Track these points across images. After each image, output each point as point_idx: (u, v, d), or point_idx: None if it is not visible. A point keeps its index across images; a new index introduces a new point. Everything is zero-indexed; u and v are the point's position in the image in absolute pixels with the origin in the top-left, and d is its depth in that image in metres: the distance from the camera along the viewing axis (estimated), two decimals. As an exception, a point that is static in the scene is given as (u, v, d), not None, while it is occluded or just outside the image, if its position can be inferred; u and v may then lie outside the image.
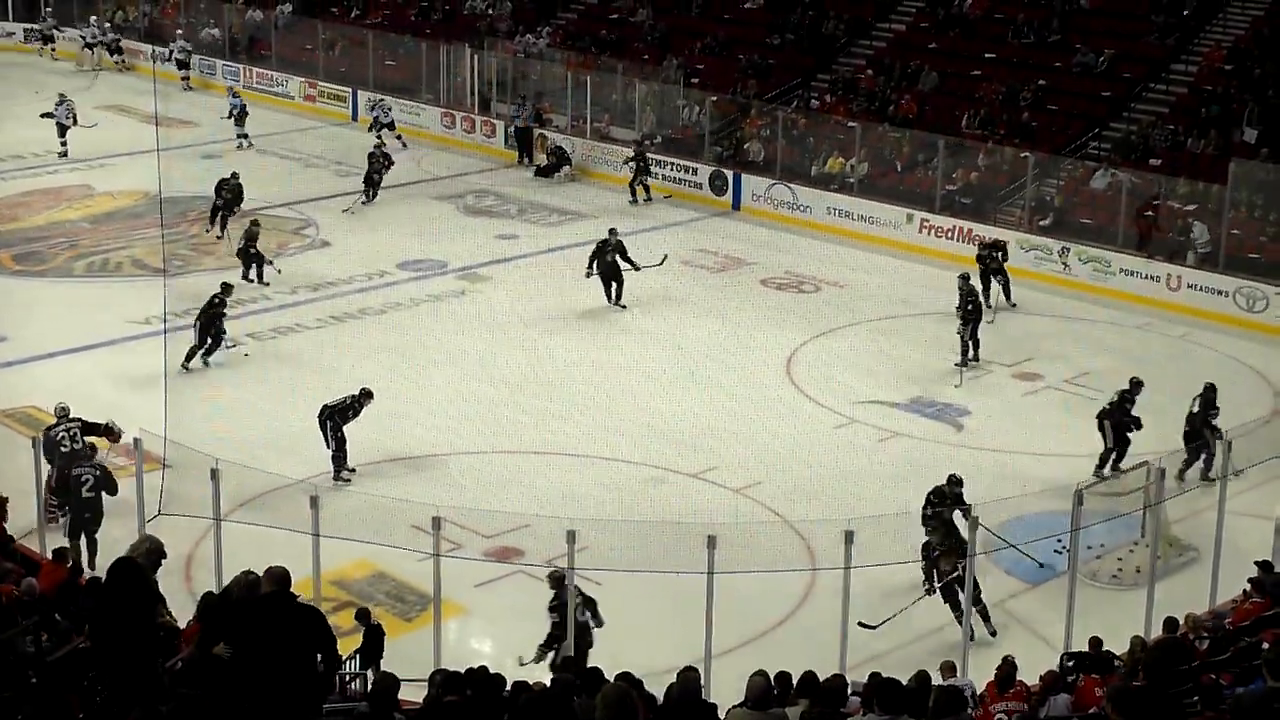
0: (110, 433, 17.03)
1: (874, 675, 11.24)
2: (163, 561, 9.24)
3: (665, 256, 25.37)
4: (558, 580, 13.96)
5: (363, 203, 29.42)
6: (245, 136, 33.80)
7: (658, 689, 10.05)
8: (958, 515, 15.36)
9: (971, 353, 21.89)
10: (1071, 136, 28.95)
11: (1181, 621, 12.74)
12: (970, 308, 21.88)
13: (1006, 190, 28.35)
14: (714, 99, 32.13)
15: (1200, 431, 18.05)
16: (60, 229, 28.30)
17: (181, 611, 11.73)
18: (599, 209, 30.07)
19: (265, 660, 7.80)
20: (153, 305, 22.05)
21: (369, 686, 11.65)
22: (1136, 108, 29.29)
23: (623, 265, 24.27)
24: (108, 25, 42.30)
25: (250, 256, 24.87)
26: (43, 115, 33.02)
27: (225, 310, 21.52)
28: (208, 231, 27.08)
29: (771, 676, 9.52)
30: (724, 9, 35.81)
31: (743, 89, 32.89)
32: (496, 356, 22.25)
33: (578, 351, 22.64)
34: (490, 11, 38.84)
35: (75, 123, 33.04)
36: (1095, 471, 17.95)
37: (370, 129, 34.15)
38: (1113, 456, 18.24)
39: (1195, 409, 18.39)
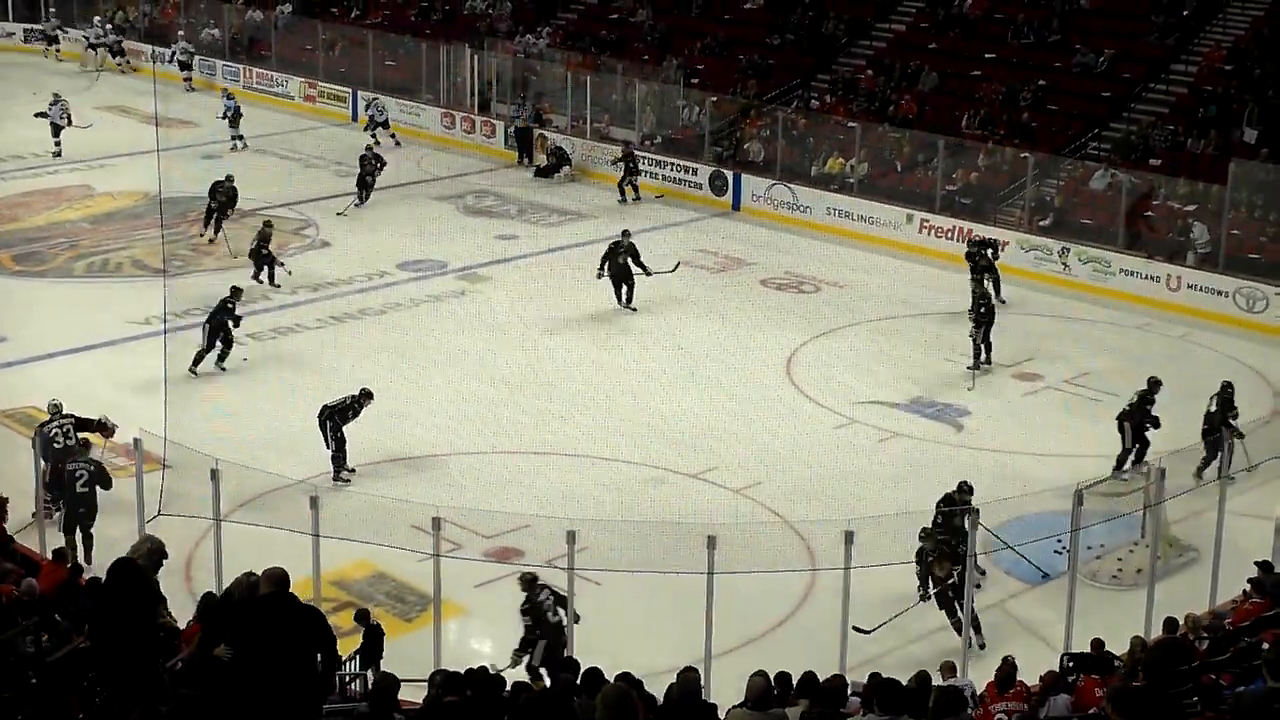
0: (104, 428, 17.15)
1: (874, 675, 11.25)
2: (164, 562, 9.25)
3: (679, 264, 25.33)
4: (529, 582, 13.95)
5: (355, 205, 29.38)
6: (240, 138, 33.76)
7: (658, 689, 10.05)
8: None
9: (984, 356, 21.83)
10: (1071, 137, 28.95)
11: (1181, 622, 12.74)
12: (983, 310, 21.81)
13: (1006, 190, 28.35)
14: (714, 99, 32.13)
15: (1219, 430, 18.02)
16: (60, 229, 28.30)
17: (181, 612, 11.73)
18: (599, 209, 30.10)
19: (265, 661, 7.80)
20: (153, 306, 22.06)
21: (369, 687, 11.65)
22: (1136, 108, 29.29)
23: (634, 269, 24.23)
24: (109, 26, 42.29)
25: (262, 257, 24.81)
26: (37, 115, 33.03)
27: (237, 314, 21.36)
28: (201, 235, 27.01)
29: (771, 677, 9.52)
30: (724, 9, 35.81)
31: (743, 89, 32.89)
32: (496, 356, 22.25)
33: (578, 352, 22.64)
34: (490, 12, 38.85)
35: (70, 123, 33.05)
36: (1114, 472, 17.90)
37: (366, 129, 34.24)
38: (1130, 457, 18.19)
39: (1213, 408, 18.39)
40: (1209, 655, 11.43)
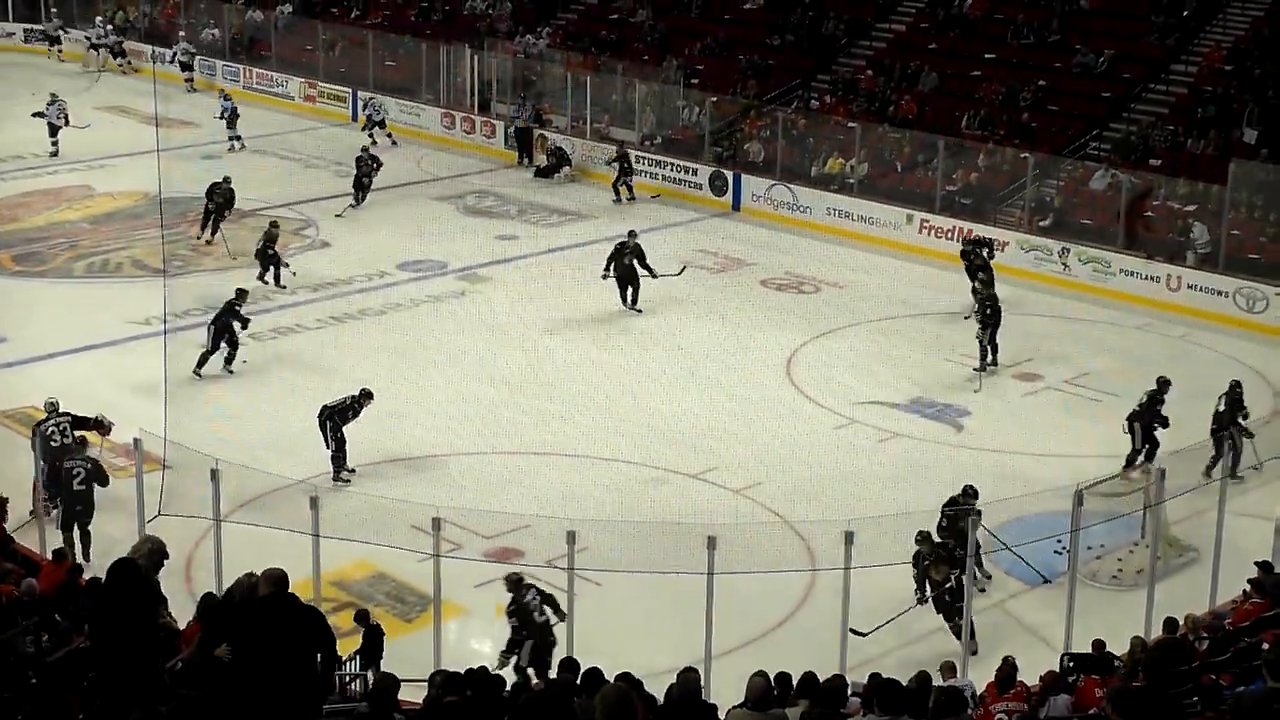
0: (100, 426, 17.25)
1: (874, 676, 11.26)
2: (165, 562, 9.25)
3: (684, 267, 25.33)
4: (514, 584, 13.96)
5: (352, 206, 29.34)
6: (237, 138, 33.75)
7: (658, 689, 10.05)
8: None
9: (990, 357, 21.79)
10: (1071, 137, 28.95)
11: (1181, 622, 12.74)
12: (989, 312, 21.76)
13: (1006, 191, 28.35)
14: (714, 99, 32.13)
15: (1228, 430, 18.04)
16: (60, 229, 28.30)
17: (181, 612, 11.71)
18: (599, 210, 30.10)
19: (265, 661, 7.80)
20: (153, 306, 22.05)
21: (369, 687, 11.65)
22: (1136, 108, 29.29)
23: (640, 271, 24.21)
24: (110, 27, 42.28)
25: (268, 258, 24.78)
26: (34, 115, 33.04)
27: (245, 316, 21.32)
28: (198, 239, 26.93)
29: (771, 677, 9.52)
30: (724, 9, 35.80)
31: (743, 89, 32.89)
32: (496, 357, 22.25)
33: (578, 352, 22.64)
34: (490, 12, 38.84)
35: (67, 123, 33.06)
36: (1123, 472, 17.87)
37: (364, 129, 34.25)
38: (1140, 458, 18.17)
39: (1222, 408, 18.41)
40: (1209, 655, 11.43)
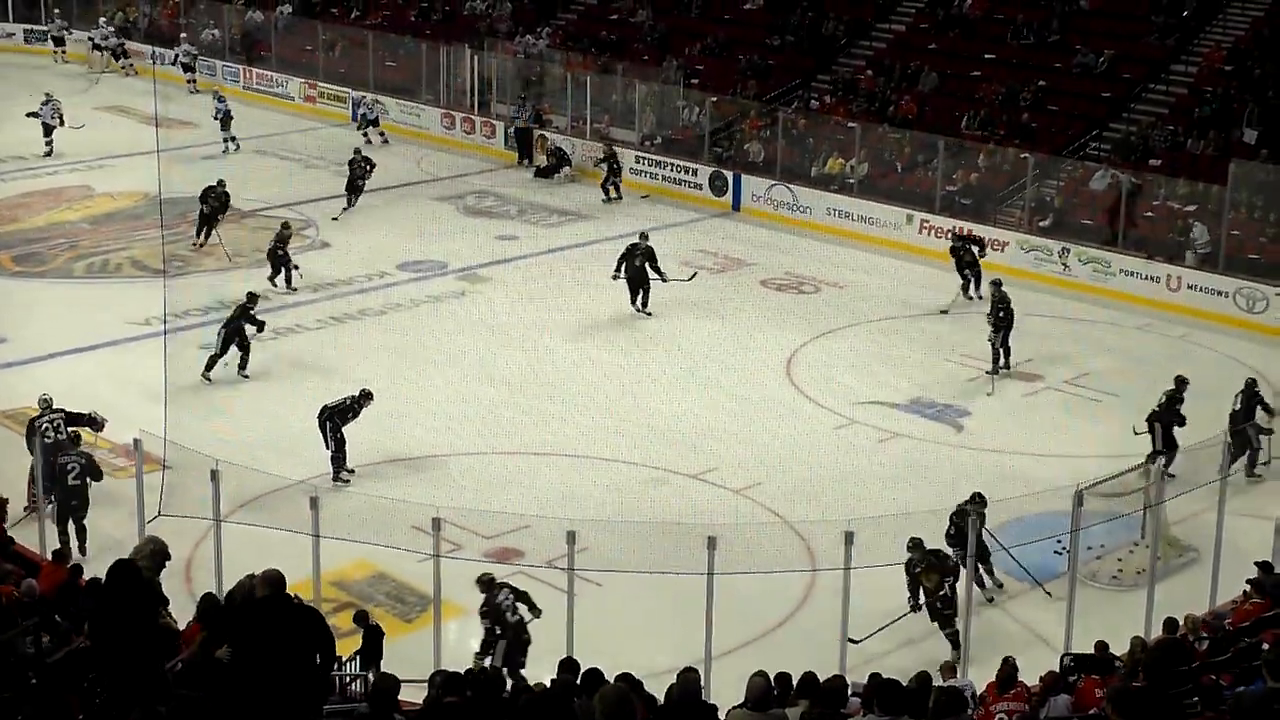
0: (94, 422, 17.38)
1: (874, 676, 11.26)
2: (166, 563, 9.25)
3: (695, 273, 25.26)
4: (486, 584, 14.00)
5: (345, 209, 29.23)
6: (232, 139, 33.68)
7: (658, 689, 10.06)
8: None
9: (1003, 360, 21.72)
10: (1071, 137, 28.95)
11: (1181, 622, 12.75)
12: (1002, 314, 21.64)
13: (1006, 191, 28.35)
14: (714, 100, 32.13)
15: (1244, 428, 18.03)
16: (60, 230, 28.29)
17: (181, 613, 11.70)
18: (598, 210, 30.10)
19: (265, 662, 7.80)
20: (153, 306, 22.07)
21: (369, 688, 11.65)
22: (1136, 108, 29.29)
23: (650, 274, 24.14)
24: (111, 29, 42.23)
25: (279, 259, 24.74)
26: (28, 114, 33.03)
27: (259, 319, 21.27)
28: (194, 243, 26.79)
29: (771, 677, 9.52)
30: (724, 9, 35.81)
31: (742, 90, 32.89)
32: (496, 357, 22.25)
33: (578, 352, 22.64)
34: (490, 12, 38.85)
35: (61, 123, 33.05)
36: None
37: (359, 128, 34.22)
38: (1161, 460, 18.14)
39: (1238, 406, 18.42)
40: (1209, 655, 11.44)
